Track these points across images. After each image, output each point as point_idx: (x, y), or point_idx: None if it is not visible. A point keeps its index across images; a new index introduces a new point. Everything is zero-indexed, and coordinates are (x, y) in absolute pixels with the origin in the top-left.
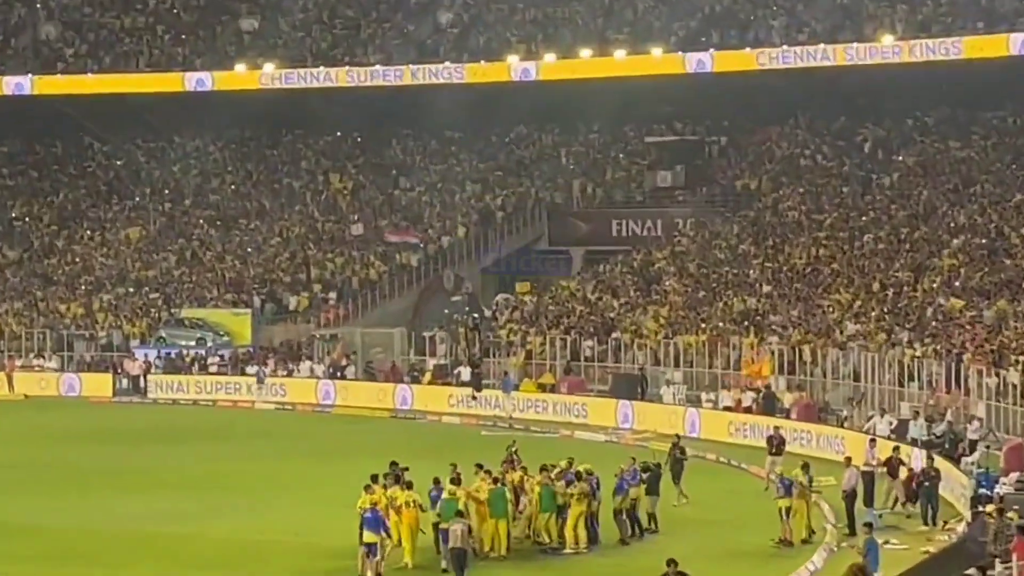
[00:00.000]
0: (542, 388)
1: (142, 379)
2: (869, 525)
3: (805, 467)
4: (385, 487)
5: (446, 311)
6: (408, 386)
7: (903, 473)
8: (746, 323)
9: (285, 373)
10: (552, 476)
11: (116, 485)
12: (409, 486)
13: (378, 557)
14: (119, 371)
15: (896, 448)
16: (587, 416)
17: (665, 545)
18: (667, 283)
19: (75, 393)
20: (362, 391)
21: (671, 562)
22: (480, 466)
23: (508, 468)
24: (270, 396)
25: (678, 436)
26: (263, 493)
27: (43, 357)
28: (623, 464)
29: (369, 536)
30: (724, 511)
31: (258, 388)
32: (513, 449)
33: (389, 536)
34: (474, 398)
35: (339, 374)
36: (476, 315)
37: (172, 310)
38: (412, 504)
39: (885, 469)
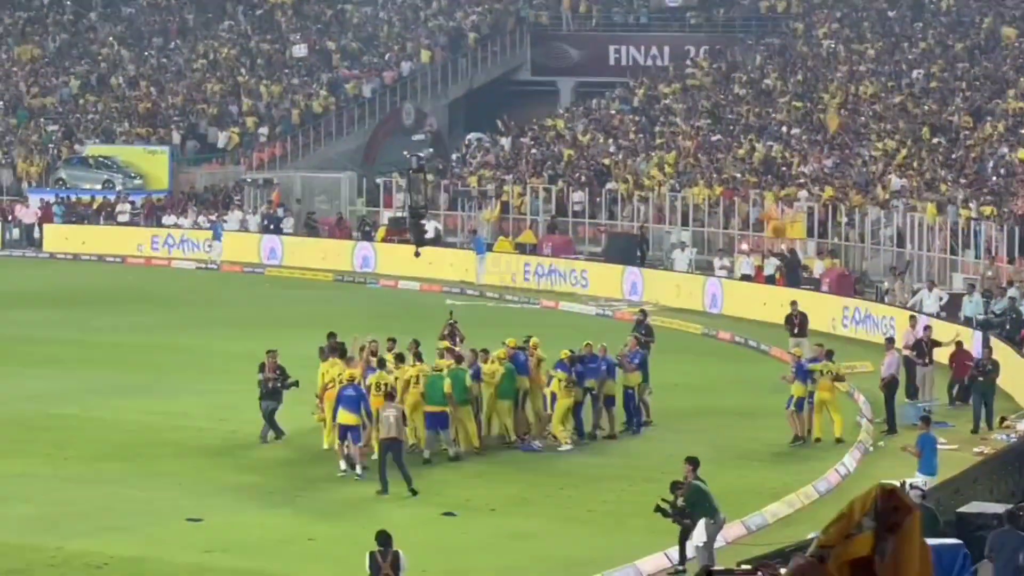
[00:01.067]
0: (520, 248)
1: (37, 229)
2: (927, 419)
3: (828, 354)
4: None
5: (405, 153)
6: (370, 244)
7: (941, 355)
8: (769, 175)
9: (208, 225)
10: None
11: (5, 358)
12: (382, 364)
13: (361, 443)
14: (9, 218)
15: (927, 328)
16: (588, 285)
17: (661, 441)
18: (675, 124)
19: None
20: (309, 250)
21: (692, 461)
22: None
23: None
24: (191, 252)
25: (643, 312)
26: (181, 370)
27: None
28: (608, 344)
29: (347, 416)
30: (735, 402)
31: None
32: (452, 320)
33: (370, 419)
34: (417, 255)
35: (272, 227)
36: (421, 154)
37: (74, 146)
38: (382, 388)
39: (914, 352)
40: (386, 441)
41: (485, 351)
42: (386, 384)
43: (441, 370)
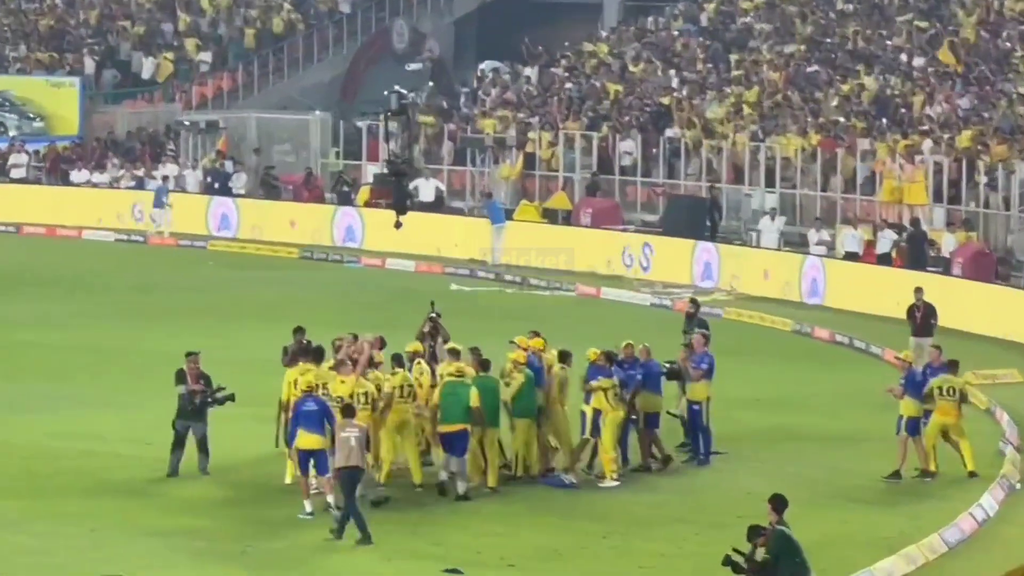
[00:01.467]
0: (549, 216)
1: None
2: None
3: (951, 365)
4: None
5: (396, 88)
6: (356, 209)
7: None
8: (883, 119)
9: (133, 183)
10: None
11: None
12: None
13: (328, 474)
14: None
15: None
16: (650, 266)
17: (734, 474)
18: (757, 51)
19: None
20: (266, 216)
21: (775, 501)
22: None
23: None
24: (113, 221)
25: (695, 302)
26: (95, 378)
27: None
28: (664, 345)
29: (308, 438)
30: (835, 422)
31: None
32: (434, 313)
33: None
34: (397, 226)
35: (217, 185)
36: (407, 92)
37: None
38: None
39: None
40: (346, 471)
41: (475, 351)
42: (365, 393)
43: (461, 375)
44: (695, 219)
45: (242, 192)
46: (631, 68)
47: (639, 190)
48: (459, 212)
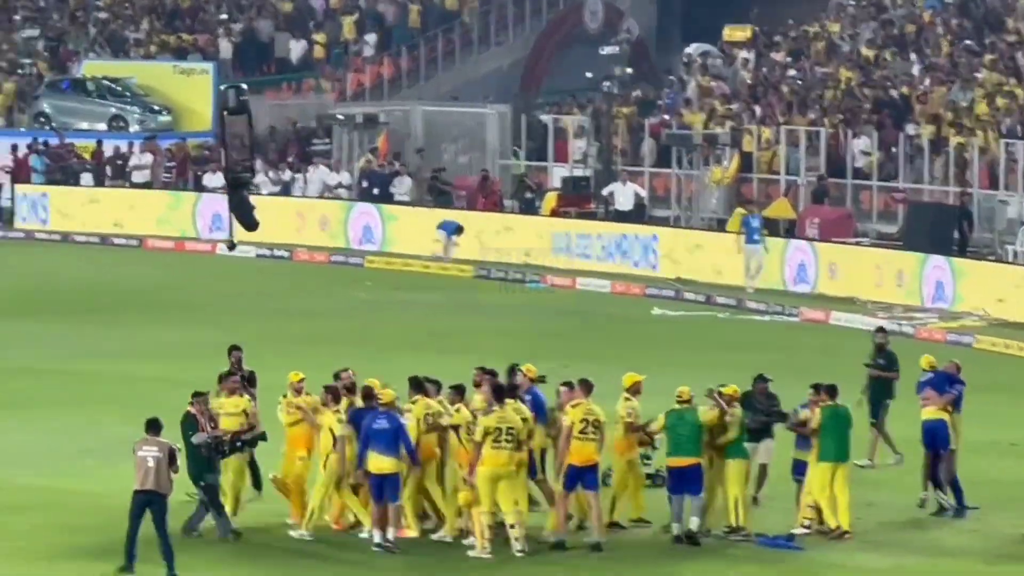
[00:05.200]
0: (769, 227)
1: (6, 190)
2: None
3: None
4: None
5: (589, 75)
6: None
7: None
8: None
9: (278, 188)
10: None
11: None
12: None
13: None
14: None
15: None
16: (885, 285)
17: (982, 536)
18: (1016, 31)
19: None
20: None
21: None
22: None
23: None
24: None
25: (883, 331)
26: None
27: None
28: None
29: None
30: None
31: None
32: (238, 353)
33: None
34: (231, 247)
35: (377, 190)
36: (245, 87)
37: (64, 63)
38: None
39: None
40: (142, 494)
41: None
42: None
43: (688, 401)
44: (941, 230)
45: (405, 199)
46: (866, 52)
47: (875, 196)
48: (663, 222)
